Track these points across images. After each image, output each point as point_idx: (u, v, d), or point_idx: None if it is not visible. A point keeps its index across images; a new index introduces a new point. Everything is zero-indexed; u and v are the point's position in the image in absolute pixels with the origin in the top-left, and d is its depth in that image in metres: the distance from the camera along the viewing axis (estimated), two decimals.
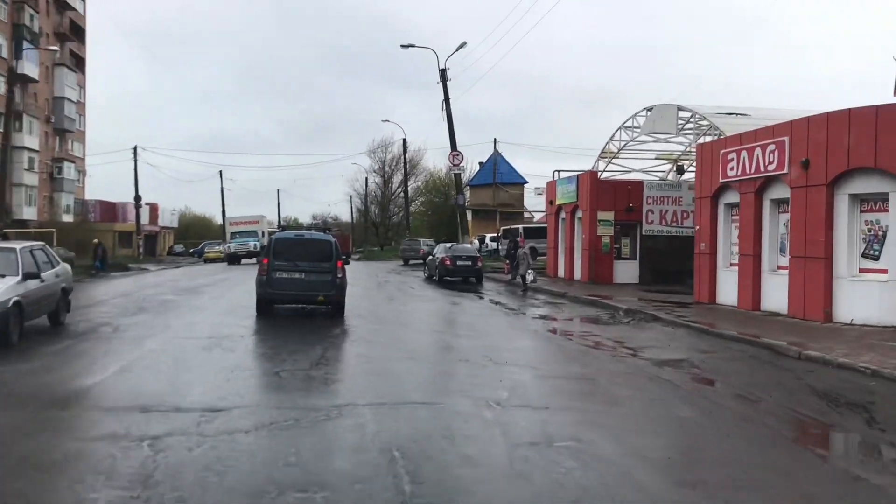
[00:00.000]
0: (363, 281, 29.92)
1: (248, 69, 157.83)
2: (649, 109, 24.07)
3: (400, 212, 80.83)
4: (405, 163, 64.64)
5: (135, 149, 62.25)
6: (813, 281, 15.51)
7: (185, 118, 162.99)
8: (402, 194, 79.94)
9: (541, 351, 13.33)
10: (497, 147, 61.50)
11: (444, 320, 17.97)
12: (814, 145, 15.63)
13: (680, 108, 22.34)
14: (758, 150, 17.45)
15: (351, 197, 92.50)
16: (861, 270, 14.93)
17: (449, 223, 64.56)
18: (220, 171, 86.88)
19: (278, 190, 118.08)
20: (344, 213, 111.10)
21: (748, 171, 17.86)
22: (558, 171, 46.69)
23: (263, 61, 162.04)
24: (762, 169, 17.35)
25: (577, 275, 29.54)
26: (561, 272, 31.51)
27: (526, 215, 63.15)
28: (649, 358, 11.67)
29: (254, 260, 45.33)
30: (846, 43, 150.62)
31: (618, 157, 28.22)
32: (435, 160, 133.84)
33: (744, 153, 18.03)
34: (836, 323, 14.95)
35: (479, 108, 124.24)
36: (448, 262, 28.59)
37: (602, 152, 28.18)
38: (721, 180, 19.14)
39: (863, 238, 14.94)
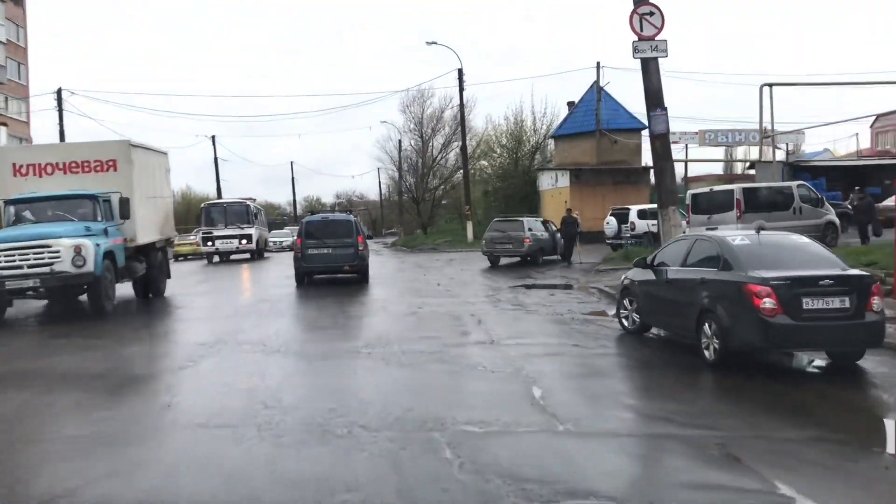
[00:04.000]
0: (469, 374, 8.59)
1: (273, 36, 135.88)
2: None
3: (442, 184, 58.89)
4: (462, 104, 42.61)
5: (58, 92, 41.63)
6: None
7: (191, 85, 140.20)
8: (444, 160, 58.37)
9: None
10: (600, 75, 39.95)
11: None
12: None
13: None
14: None
15: (379, 169, 71.44)
16: None
17: (523, 196, 43.42)
18: (213, 137, 66.26)
19: (291, 163, 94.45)
20: (371, 189, 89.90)
21: None
22: (769, 84, 25.78)
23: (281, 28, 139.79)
24: None
25: None
26: None
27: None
28: None
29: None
30: None
31: None
32: (491, 112, 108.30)
33: None
34: None
35: None
36: (773, 307, 7.56)
37: None
38: None
39: None
